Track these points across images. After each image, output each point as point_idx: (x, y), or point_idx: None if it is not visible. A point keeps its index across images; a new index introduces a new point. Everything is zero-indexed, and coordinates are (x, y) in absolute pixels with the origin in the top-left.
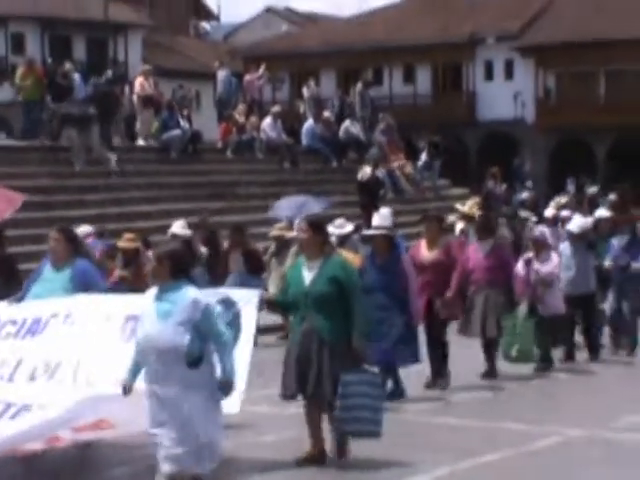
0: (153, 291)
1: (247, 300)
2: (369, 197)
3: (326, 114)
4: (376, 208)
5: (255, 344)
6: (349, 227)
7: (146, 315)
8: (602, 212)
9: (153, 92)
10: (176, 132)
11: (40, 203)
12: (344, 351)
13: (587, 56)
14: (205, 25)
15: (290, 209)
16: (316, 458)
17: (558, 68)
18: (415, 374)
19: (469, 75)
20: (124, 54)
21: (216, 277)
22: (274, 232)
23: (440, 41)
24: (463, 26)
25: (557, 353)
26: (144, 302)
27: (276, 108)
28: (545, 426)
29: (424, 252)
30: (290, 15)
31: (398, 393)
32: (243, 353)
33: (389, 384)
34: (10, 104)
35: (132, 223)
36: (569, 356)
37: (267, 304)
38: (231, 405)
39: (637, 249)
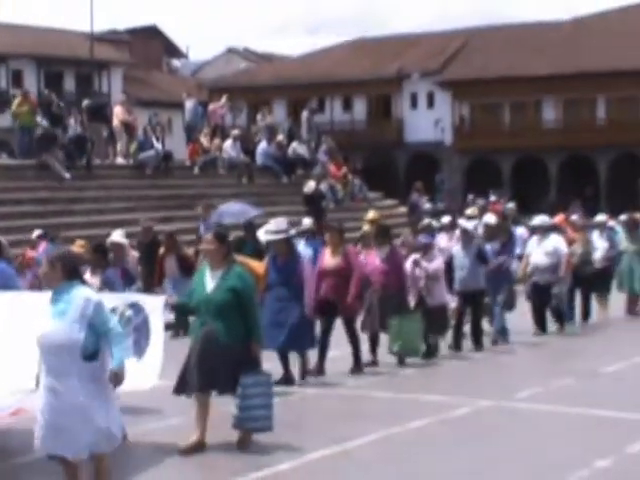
0: (49, 293)
1: (154, 305)
2: (313, 207)
3: (279, 137)
4: (319, 217)
5: None
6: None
7: (45, 315)
8: (489, 218)
9: (129, 118)
10: (151, 152)
11: (36, 212)
12: (240, 353)
13: (494, 90)
14: (176, 62)
15: (233, 216)
16: (198, 447)
17: (471, 100)
18: (342, 359)
19: (397, 105)
20: (107, 86)
21: (153, 279)
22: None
23: (373, 77)
24: (392, 64)
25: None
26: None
27: (236, 132)
28: (459, 398)
29: (327, 259)
30: (248, 54)
31: (288, 379)
32: (155, 352)
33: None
34: (10, 129)
35: (114, 229)
36: (457, 345)
37: (172, 307)
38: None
39: (508, 252)
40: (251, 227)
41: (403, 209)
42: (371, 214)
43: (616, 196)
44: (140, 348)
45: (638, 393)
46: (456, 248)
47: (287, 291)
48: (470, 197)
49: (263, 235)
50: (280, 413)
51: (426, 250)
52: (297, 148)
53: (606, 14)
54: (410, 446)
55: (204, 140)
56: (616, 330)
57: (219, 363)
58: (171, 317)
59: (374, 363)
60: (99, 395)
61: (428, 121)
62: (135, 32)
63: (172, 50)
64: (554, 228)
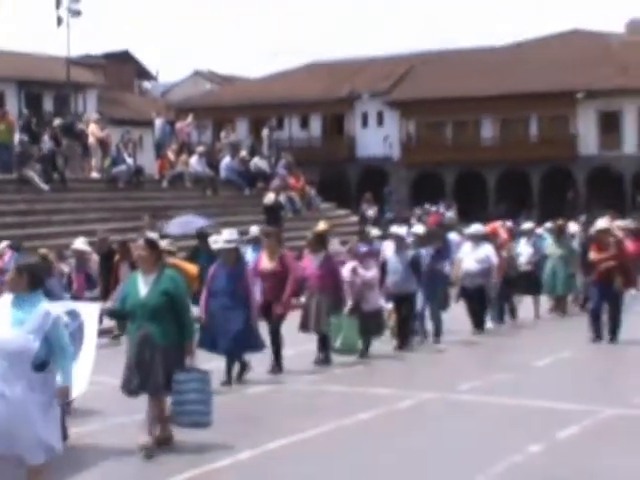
0: (8, 298)
1: (89, 312)
2: (273, 217)
3: (242, 153)
4: (277, 226)
5: None
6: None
7: (1, 321)
8: (417, 228)
9: (103, 135)
10: (123, 167)
11: (17, 223)
12: (175, 352)
13: (438, 109)
14: (146, 84)
15: (179, 226)
16: (161, 441)
17: (417, 118)
18: (298, 356)
19: (349, 123)
20: (83, 107)
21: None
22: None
23: (327, 97)
24: (344, 86)
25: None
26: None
27: (201, 148)
28: (404, 391)
29: (265, 263)
30: (213, 77)
31: (245, 372)
32: (87, 357)
33: (236, 368)
34: None
35: (90, 238)
36: (405, 341)
37: (108, 313)
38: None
39: (443, 257)
40: (204, 237)
41: (354, 218)
42: (321, 225)
43: (548, 206)
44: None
45: (567, 385)
46: (390, 253)
47: (233, 297)
48: (426, 206)
49: (214, 244)
50: (240, 407)
51: (364, 258)
52: (258, 163)
53: (538, 41)
54: (361, 436)
55: (172, 156)
56: (545, 328)
57: (156, 365)
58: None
59: (325, 360)
60: (44, 406)
61: (377, 138)
62: (109, 57)
63: (143, 73)
64: (487, 237)
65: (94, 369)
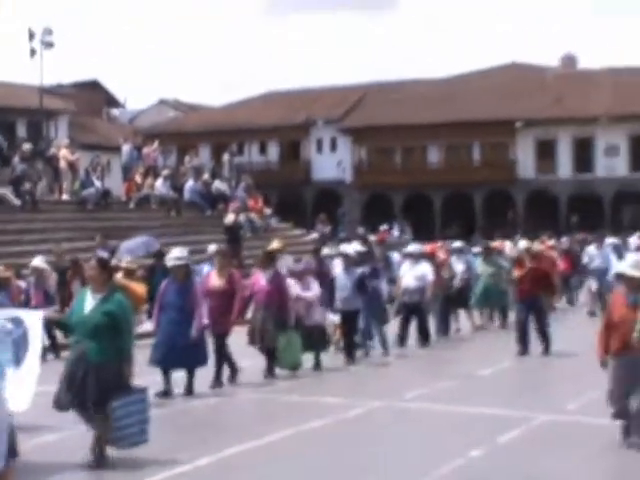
0: None
1: (33, 319)
2: (232, 236)
3: (204, 176)
4: (237, 244)
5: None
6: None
7: None
8: (347, 249)
9: (73, 159)
10: (92, 190)
11: None
12: (111, 371)
13: (388, 136)
14: (115, 111)
15: (129, 249)
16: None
17: (368, 144)
18: (252, 368)
19: (305, 149)
20: (55, 133)
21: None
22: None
23: (284, 124)
24: (300, 114)
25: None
26: None
27: (166, 172)
28: (354, 400)
29: (214, 280)
30: (177, 105)
31: (168, 393)
32: (32, 364)
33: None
34: None
35: (59, 257)
36: (350, 355)
37: (55, 323)
38: (20, 403)
39: (378, 275)
40: (161, 255)
41: (309, 237)
42: (275, 243)
43: (490, 226)
44: (18, 359)
45: (506, 393)
46: (339, 271)
47: (181, 312)
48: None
49: (167, 261)
50: (199, 415)
51: (302, 276)
52: (219, 186)
53: (480, 73)
54: (313, 443)
55: (138, 179)
56: (483, 340)
57: (88, 382)
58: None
59: (271, 373)
60: None
61: (331, 162)
62: (79, 86)
63: (111, 101)
64: (424, 256)
65: (42, 380)
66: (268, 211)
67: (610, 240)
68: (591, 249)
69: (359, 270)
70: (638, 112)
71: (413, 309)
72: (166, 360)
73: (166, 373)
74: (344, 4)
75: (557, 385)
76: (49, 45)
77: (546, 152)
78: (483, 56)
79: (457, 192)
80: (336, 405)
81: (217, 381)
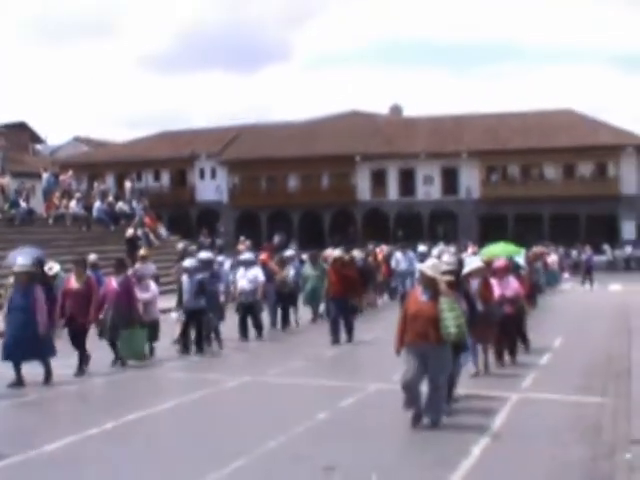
0: None
1: None
2: (131, 247)
3: (109, 199)
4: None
5: None
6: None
7: None
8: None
9: (4, 183)
10: (19, 209)
11: None
12: None
13: (256, 167)
14: (38, 146)
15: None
16: None
17: (240, 173)
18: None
19: (190, 177)
20: None
21: None
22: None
23: (174, 157)
24: (187, 149)
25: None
26: None
27: (78, 195)
28: (228, 376)
29: (73, 283)
30: (89, 141)
31: (19, 383)
32: None
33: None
34: None
35: None
36: (185, 348)
37: None
38: None
39: (217, 280)
40: (40, 263)
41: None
42: (142, 251)
43: (335, 238)
44: None
45: (345, 368)
46: (184, 277)
47: (26, 312)
48: (241, 238)
49: (49, 270)
50: (95, 391)
51: (141, 279)
52: (122, 206)
53: (328, 118)
54: (200, 409)
55: (56, 201)
56: (314, 330)
57: None
58: None
59: (121, 362)
60: None
61: (212, 187)
62: (9, 126)
63: (35, 138)
64: (256, 262)
65: None
66: (161, 226)
67: (421, 248)
68: (398, 255)
69: (199, 276)
70: (448, 151)
71: (248, 307)
72: (16, 354)
73: (17, 366)
74: (220, 64)
75: (384, 362)
76: None
77: (379, 180)
78: (331, 105)
79: (310, 211)
80: (216, 378)
81: (80, 370)
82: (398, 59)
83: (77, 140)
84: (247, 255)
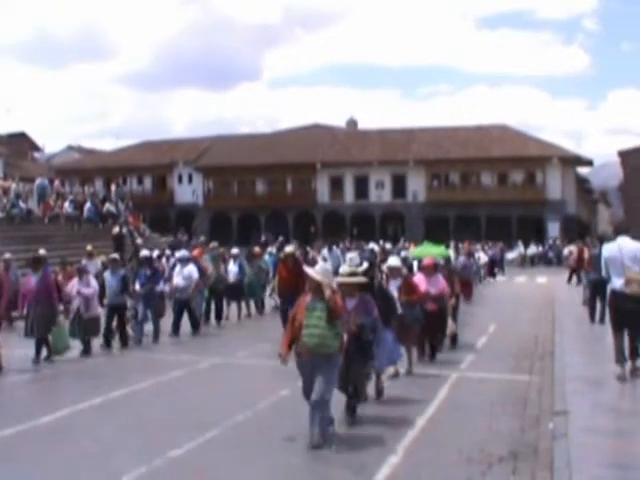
0: None
1: None
2: (118, 244)
3: (98, 200)
4: (122, 250)
5: None
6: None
7: None
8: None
9: (6, 186)
10: (19, 209)
11: None
12: None
13: (228, 173)
14: (36, 154)
15: None
16: None
17: (214, 178)
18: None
19: (170, 181)
20: None
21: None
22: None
23: (155, 164)
24: (166, 157)
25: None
26: None
27: (71, 197)
28: (200, 357)
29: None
30: (80, 150)
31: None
32: None
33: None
34: None
35: None
36: (107, 343)
37: None
38: None
39: (157, 278)
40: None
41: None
42: (88, 247)
43: (298, 237)
44: None
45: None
46: (107, 273)
47: None
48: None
49: None
50: (82, 370)
51: (81, 275)
52: (109, 207)
53: (292, 130)
54: (176, 387)
55: (52, 202)
56: (257, 323)
57: None
58: None
59: (48, 358)
60: None
61: (188, 191)
62: (11, 136)
63: (34, 147)
64: (190, 260)
65: None
66: (143, 225)
67: (370, 246)
68: (324, 252)
69: (122, 272)
70: (398, 159)
71: (184, 303)
72: None
73: None
74: (197, 82)
75: None
76: None
77: (337, 185)
78: (294, 118)
79: (276, 213)
80: (189, 360)
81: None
82: (354, 79)
83: (70, 148)
84: (182, 252)
